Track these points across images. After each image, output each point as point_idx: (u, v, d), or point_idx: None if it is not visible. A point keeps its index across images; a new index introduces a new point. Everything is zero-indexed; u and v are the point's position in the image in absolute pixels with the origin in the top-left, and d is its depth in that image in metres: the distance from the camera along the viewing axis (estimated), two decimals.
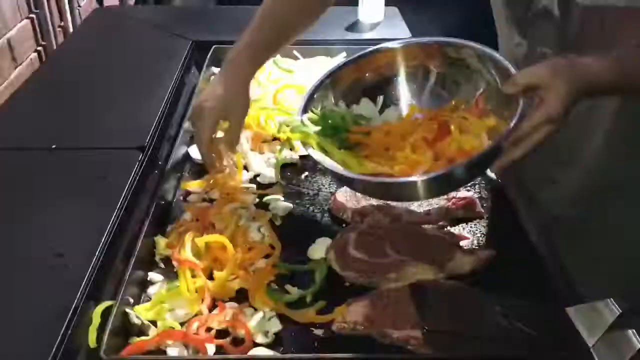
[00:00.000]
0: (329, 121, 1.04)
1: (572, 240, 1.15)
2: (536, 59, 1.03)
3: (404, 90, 1.11)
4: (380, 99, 1.11)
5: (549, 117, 0.87)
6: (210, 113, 1.08)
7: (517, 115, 0.89)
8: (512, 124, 0.89)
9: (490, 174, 1.21)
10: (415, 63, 1.09)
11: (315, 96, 1.07)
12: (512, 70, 0.95)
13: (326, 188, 1.21)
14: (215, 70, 1.64)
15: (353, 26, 1.82)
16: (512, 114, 0.90)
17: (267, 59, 1.21)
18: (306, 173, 1.26)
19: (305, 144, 1.02)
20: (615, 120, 1.07)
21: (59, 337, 0.82)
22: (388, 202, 1.11)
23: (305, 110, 1.05)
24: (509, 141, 0.89)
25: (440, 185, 0.94)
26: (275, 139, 1.34)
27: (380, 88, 1.11)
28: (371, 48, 1.11)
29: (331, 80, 1.09)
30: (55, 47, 2.00)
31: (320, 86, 1.08)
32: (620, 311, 0.80)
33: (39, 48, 1.97)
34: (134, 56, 1.69)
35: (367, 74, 1.11)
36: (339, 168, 0.98)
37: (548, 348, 0.84)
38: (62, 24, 2.13)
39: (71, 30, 2.15)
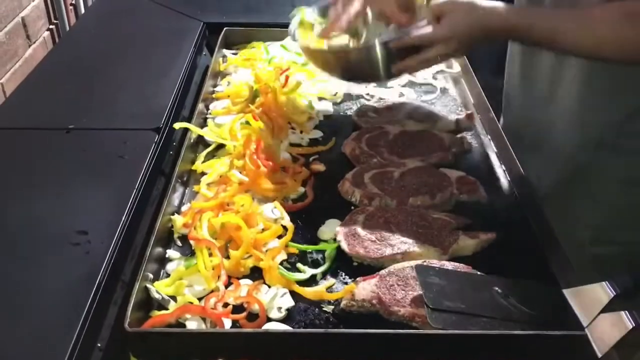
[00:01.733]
0: None
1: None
2: None
3: None
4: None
5: (433, 35, 1.11)
6: None
7: (411, 27, 1.17)
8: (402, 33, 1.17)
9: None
10: None
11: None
12: None
13: (336, 171, 1.25)
14: (227, 52, 1.68)
15: None
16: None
17: None
18: (316, 156, 1.30)
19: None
20: (586, 71, 1.17)
21: (85, 311, 0.87)
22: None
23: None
24: (396, 44, 1.15)
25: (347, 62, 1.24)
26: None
27: None
28: None
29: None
30: (67, 25, 2.03)
31: None
32: (614, 293, 0.84)
33: (52, 27, 2.00)
34: (146, 37, 1.72)
35: None
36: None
37: (545, 327, 0.88)
38: (73, 2, 2.16)
39: (82, 8, 2.18)
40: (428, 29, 1.12)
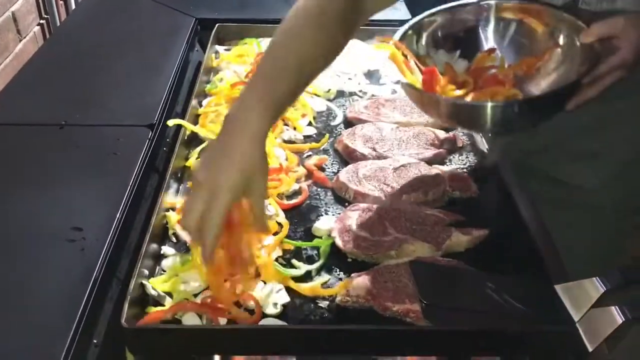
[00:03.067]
0: None
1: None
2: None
3: (486, 41, 1.20)
4: (457, 53, 1.18)
5: (624, 62, 1.00)
6: (229, 190, 0.80)
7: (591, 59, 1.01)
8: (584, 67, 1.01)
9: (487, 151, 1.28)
10: (498, 17, 1.19)
11: (408, 33, 1.16)
12: (584, 26, 1.05)
13: (329, 168, 1.26)
14: (219, 48, 1.68)
15: None
16: (584, 58, 1.03)
17: (283, 113, 0.95)
18: (309, 152, 1.31)
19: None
20: None
21: (81, 307, 0.87)
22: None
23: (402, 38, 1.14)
24: (589, 79, 1.00)
25: (517, 114, 1.00)
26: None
27: (462, 38, 1.19)
28: (455, 3, 1.19)
29: (419, 25, 1.18)
30: (57, 20, 2.02)
31: (412, 26, 1.17)
32: (604, 289, 0.86)
33: (42, 21, 1.99)
34: (137, 32, 1.71)
35: (451, 25, 1.19)
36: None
37: (537, 322, 0.90)
38: None
39: (72, 3, 2.17)
40: (615, 57, 1.00)
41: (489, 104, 1.00)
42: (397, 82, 1.20)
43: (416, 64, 1.12)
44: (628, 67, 1.01)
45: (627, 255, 1.33)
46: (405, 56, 1.11)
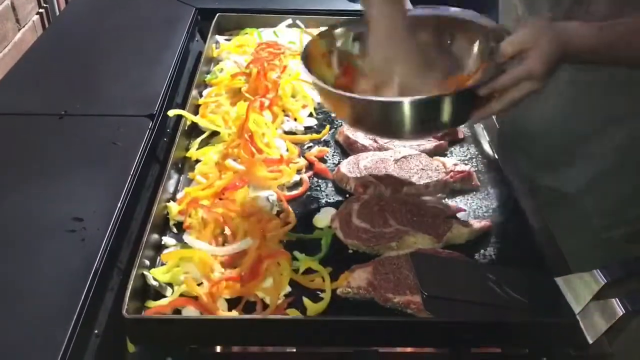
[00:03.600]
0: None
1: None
2: None
3: None
4: None
5: (530, 73, 0.92)
6: None
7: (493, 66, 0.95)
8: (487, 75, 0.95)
9: (487, 149, 1.27)
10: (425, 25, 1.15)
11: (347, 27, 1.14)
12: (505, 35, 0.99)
13: (330, 159, 1.26)
14: (220, 38, 1.67)
15: None
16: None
17: None
18: (310, 144, 1.30)
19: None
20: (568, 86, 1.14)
21: (82, 298, 0.87)
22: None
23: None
24: (485, 90, 0.94)
25: (418, 114, 0.94)
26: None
27: None
28: None
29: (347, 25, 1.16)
30: (57, 9, 2.00)
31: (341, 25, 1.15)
32: (605, 281, 0.86)
33: (41, 10, 1.98)
34: (138, 22, 1.69)
35: None
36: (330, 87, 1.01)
37: (537, 314, 0.90)
38: None
39: None
40: (519, 68, 0.93)
41: (391, 100, 0.95)
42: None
43: (341, 61, 1.08)
44: (537, 78, 0.92)
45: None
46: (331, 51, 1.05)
